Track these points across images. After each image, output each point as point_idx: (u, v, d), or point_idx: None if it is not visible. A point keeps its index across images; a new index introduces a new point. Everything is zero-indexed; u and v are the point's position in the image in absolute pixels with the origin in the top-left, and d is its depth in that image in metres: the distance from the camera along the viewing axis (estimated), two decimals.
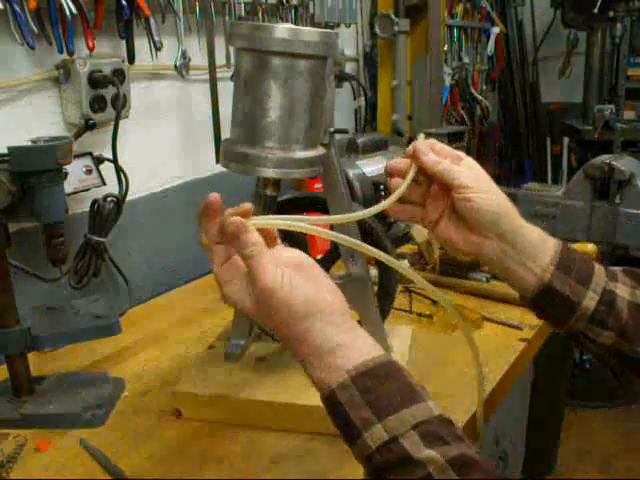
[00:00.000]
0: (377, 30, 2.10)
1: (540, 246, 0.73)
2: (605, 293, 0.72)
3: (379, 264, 1.08)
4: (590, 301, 0.72)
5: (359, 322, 0.97)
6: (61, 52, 1.20)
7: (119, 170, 1.31)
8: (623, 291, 0.73)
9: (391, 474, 0.54)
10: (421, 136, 0.78)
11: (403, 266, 0.72)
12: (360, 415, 0.56)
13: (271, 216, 0.67)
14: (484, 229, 0.72)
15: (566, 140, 3.11)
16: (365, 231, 0.99)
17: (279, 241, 0.68)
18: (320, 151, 0.82)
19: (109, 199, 1.28)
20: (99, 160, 1.30)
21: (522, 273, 0.73)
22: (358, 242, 0.70)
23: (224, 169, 0.80)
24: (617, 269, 0.76)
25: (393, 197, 0.73)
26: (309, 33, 0.74)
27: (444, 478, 0.51)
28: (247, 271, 0.62)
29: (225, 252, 0.64)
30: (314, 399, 0.94)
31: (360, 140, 1.69)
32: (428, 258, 1.50)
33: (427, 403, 0.57)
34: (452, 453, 0.53)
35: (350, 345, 0.60)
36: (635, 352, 0.72)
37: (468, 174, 0.72)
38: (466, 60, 2.61)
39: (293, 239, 1.03)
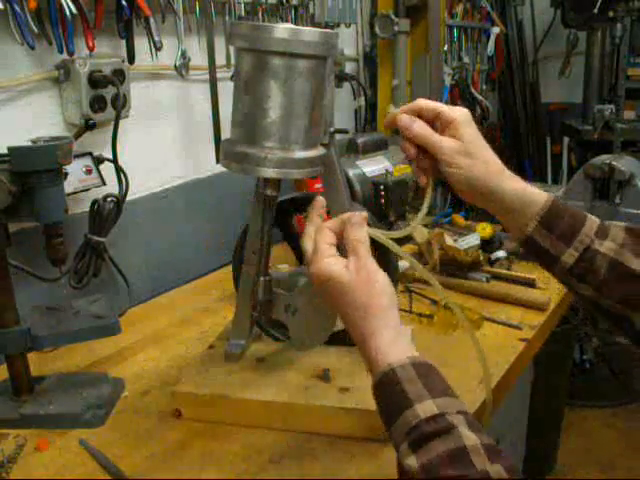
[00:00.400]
0: (377, 30, 2.11)
1: (524, 202, 0.78)
2: (586, 251, 0.75)
3: (379, 263, 1.08)
4: (569, 257, 0.76)
5: None
6: (61, 52, 1.20)
7: (119, 170, 1.31)
8: (608, 248, 0.75)
9: (433, 442, 0.59)
10: (391, 107, 0.84)
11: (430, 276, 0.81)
12: (416, 390, 0.63)
13: (378, 230, 0.80)
14: (463, 189, 0.80)
15: (566, 140, 3.11)
16: None
17: None
18: (320, 151, 0.82)
19: (109, 199, 1.28)
20: (99, 160, 1.30)
21: (506, 224, 0.82)
22: (420, 266, 0.83)
23: (224, 169, 0.80)
24: (619, 225, 0.78)
25: (420, 215, 0.83)
26: (309, 33, 0.75)
27: (477, 456, 0.57)
28: (346, 257, 0.73)
29: (333, 238, 0.76)
30: (314, 399, 0.95)
31: (360, 140, 1.69)
32: (428, 258, 1.50)
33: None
34: (485, 440, 0.59)
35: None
36: (611, 306, 0.76)
37: (447, 145, 0.78)
38: (466, 60, 2.61)
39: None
